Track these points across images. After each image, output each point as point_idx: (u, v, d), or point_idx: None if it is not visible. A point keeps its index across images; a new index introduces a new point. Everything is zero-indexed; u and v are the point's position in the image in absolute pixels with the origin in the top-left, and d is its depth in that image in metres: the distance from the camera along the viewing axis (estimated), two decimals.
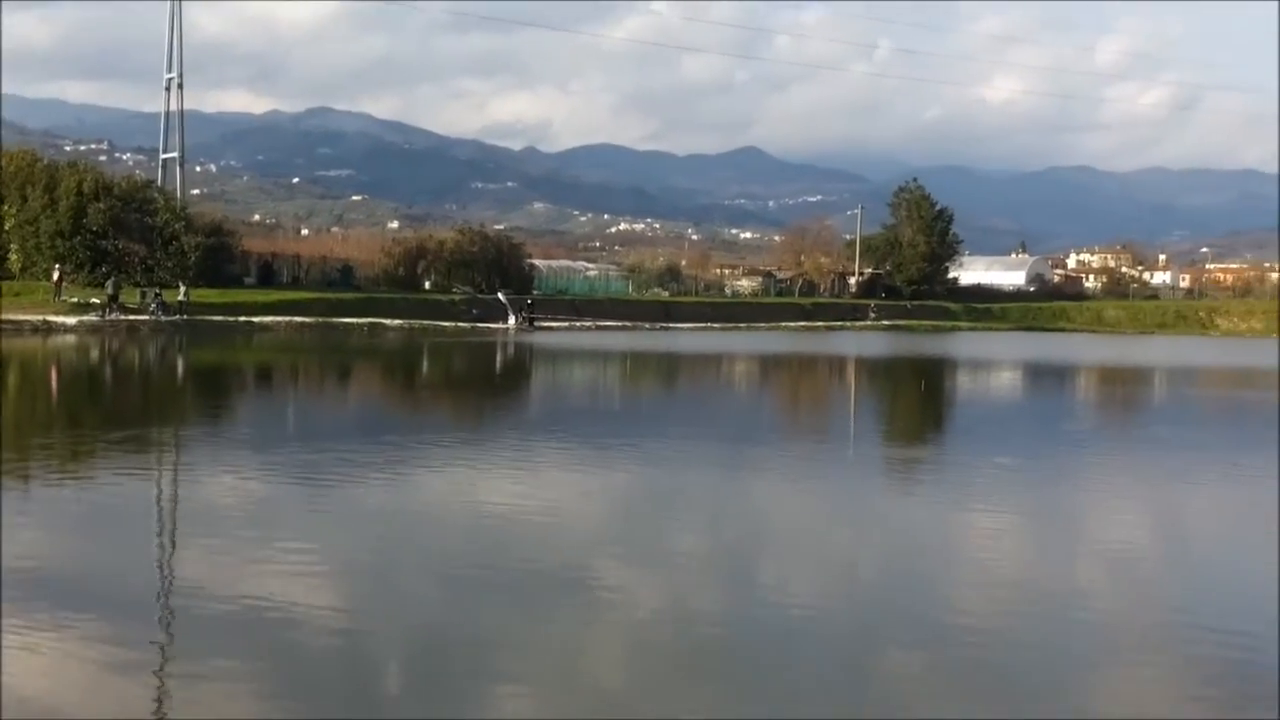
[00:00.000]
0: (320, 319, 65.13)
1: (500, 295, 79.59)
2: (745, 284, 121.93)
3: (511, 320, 75.11)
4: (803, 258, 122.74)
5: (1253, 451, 23.05)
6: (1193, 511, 16.11)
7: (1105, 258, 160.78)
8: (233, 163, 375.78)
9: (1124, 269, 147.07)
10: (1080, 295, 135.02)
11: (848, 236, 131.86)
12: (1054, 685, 8.22)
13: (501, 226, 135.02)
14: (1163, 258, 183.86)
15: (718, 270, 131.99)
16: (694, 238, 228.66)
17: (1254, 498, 17.24)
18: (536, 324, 75.31)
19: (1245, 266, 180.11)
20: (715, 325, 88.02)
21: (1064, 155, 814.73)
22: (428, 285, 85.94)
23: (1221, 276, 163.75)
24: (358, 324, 65.68)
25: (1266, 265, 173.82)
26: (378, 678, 8.09)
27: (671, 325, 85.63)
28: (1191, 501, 16.87)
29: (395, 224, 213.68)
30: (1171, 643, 9.26)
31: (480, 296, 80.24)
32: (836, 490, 17.11)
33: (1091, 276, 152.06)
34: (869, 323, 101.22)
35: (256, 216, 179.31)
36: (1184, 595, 11.02)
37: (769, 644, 8.99)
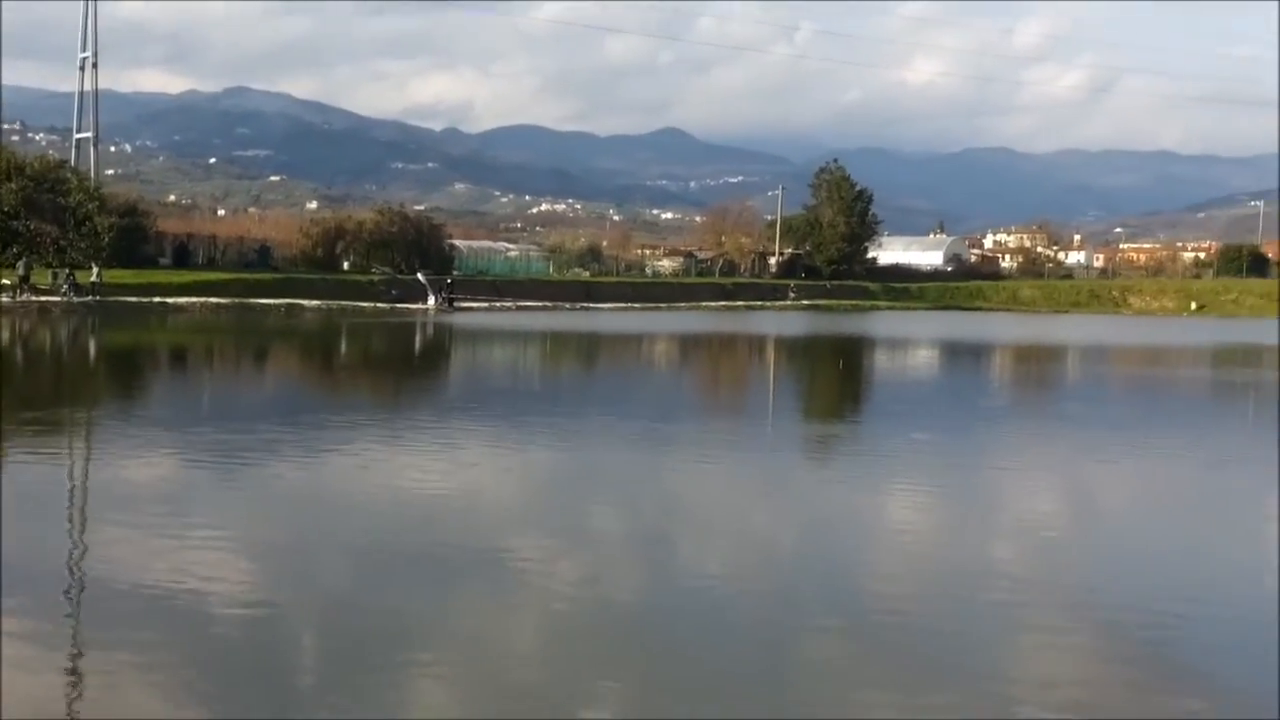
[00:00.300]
0: (237, 300, 64.37)
1: (420, 276, 79.01)
2: (666, 264, 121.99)
3: (431, 301, 74.60)
4: (724, 238, 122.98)
5: (1163, 427, 23.48)
6: (1105, 488, 16.35)
7: (1021, 238, 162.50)
8: (148, 143, 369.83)
9: (1040, 249, 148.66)
10: (997, 275, 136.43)
11: (768, 217, 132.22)
12: (970, 661, 8.31)
13: (422, 207, 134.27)
14: (1078, 238, 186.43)
15: (639, 251, 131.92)
16: (615, 218, 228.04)
17: (1166, 474, 17.56)
18: (456, 304, 74.85)
19: (1158, 246, 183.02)
20: (636, 305, 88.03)
21: (982, 137, 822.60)
22: (346, 266, 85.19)
23: (1135, 256, 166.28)
24: (275, 305, 64.95)
25: (1178, 245, 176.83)
26: (293, 657, 8.03)
27: (592, 305, 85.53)
28: (1104, 478, 17.12)
29: (314, 204, 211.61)
30: (1085, 619, 9.39)
31: (400, 277, 79.63)
32: (755, 467, 17.18)
33: (1008, 256, 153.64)
34: (789, 302, 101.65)
35: (172, 197, 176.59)
36: (1097, 573, 11.18)
37: (687, 622, 9.00)
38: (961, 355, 49.64)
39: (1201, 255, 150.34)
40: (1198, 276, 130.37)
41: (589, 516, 13.26)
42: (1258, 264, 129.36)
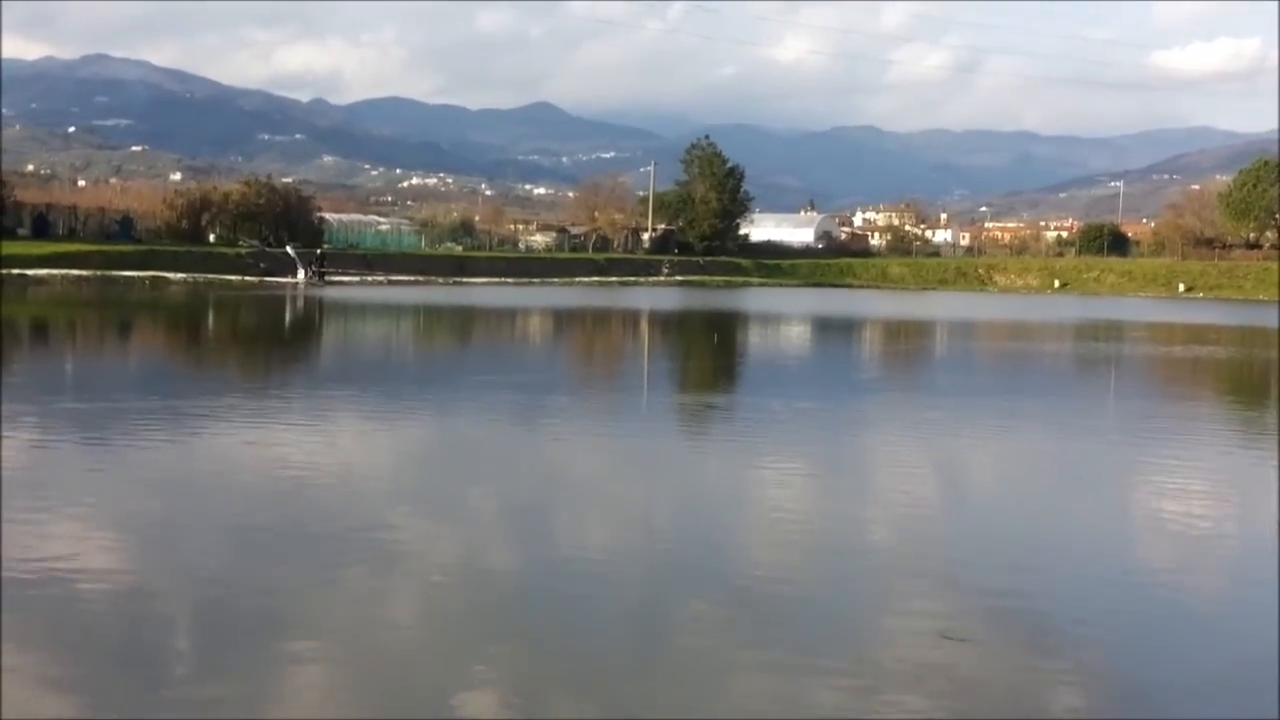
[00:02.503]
0: (99, 272, 62.79)
1: (289, 249, 77.79)
2: (539, 239, 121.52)
3: (301, 274, 73.49)
4: (596, 214, 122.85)
5: (1027, 399, 23.90)
6: (975, 460, 16.58)
7: (890, 216, 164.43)
8: (4, 111, 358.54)
9: (907, 227, 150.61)
10: (866, 252, 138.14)
11: (641, 193, 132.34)
12: (846, 635, 8.34)
13: (290, 179, 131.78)
14: (944, 216, 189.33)
15: (512, 225, 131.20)
16: (487, 193, 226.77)
17: (1029, 446, 17.85)
18: (327, 278, 73.87)
19: (1021, 226, 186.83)
20: (510, 280, 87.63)
21: (850, 115, 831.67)
22: (212, 238, 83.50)
23: (999, 235, 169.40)
24: (139, 277, 63.51)
25: (1041, 224, 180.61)
26: (164, 642, 7.77)
27: (466, 280, 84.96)
28: (974, 450, 17.35)
29: (178, 175, 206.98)
30: (955, 590, 9.47)
31: (268, 250, 78.32)
32: (631, 441, 17.15)
33: (877, 234, 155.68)
34: (662, 278, 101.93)
35: (30, 167, 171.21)
36: (966, 543, 11.31)
37: (565, 598, 8.92)
38: (834, 330, 50.20)
39: (1063, 234, 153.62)
40: (1060, 255, 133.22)
41: (465, 492, 13.12)
42: (1117, 243, 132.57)
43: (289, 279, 71.92)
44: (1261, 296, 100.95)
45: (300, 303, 54.48)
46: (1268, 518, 13.07)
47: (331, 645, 7.79)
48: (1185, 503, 13.36)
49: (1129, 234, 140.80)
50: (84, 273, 62.00)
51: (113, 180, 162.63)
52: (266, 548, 10.14)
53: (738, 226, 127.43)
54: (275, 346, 33.87)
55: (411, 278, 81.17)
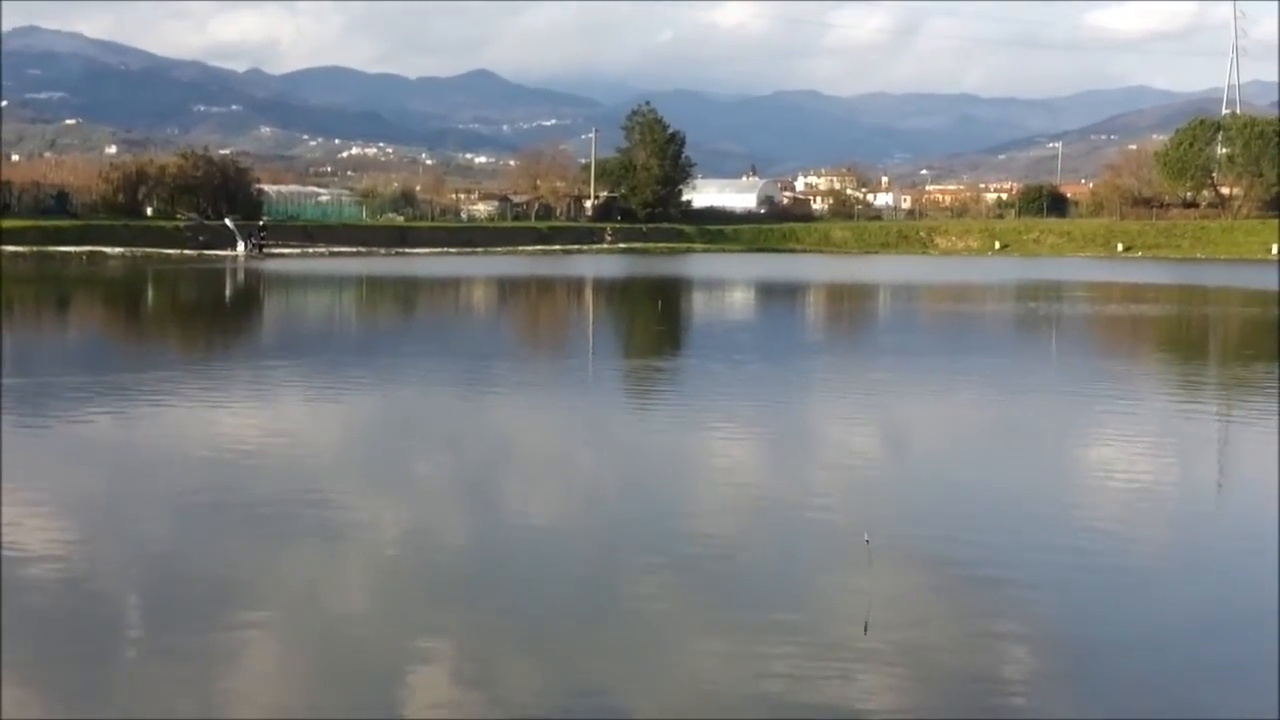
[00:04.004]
0: (35, 248, 62.04)
1: (228, 221, 77.05)
2: (481, 208, 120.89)
3: (240, 247, 72.85)
4: (538, 182, 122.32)
5: (970, 359, 24.08)
6: (920, 419, 16.68)
7: (831, 180, 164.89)
8: None
9: (849, 191, 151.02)
10: (808, 216, 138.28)
11: (583, 160, 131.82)
12: (790, 595, 8.39)
13: (227, 151, 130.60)
14: (885, 180, 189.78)
15: (453, 195, 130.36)
16: (428, 162, 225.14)
17: (972, 406, 18.00)
18: (267, 250, 73.27)
19: (962, 188, 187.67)
20: (452, 250, 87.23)
21: (791, 80, 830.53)
22: (150, 212, 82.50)
23: (940, 197, 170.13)
24: (76, 252, 62.79)
25: (981, 186, 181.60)
26: (113, 619, 7.71)
27: (408, 250, 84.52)
28: (919, 409, 17.47)
29: (113, 149, 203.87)
30: (900, 551, 9.54)
31: (206, 223, 77.54)
32: (576, 408, 17.15)
33: (819, 198, 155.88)
34: (605, 246, 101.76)
35: None
36: (911, 503, 11.39)
37: (514, 566, 8.94)
38: (778, 295, 50.32)
39: (1003, 196, 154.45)
40: (1000, 217, 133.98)
41: (413, 462, 13.08)
42: (1056, 203, 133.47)
43: (229, 252, 71.31)
44: (1199, 255, 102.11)
45: (241, 276, 54.01)
46: (1207, 473, 13.28)
47: (282, 617, 7.77)
48: (1126, 459, 13.52)
49: (1068, 195, 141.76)
50: (20, 249, 61.20)
51: (47, 154, 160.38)
52: (213, 521, 10.07)
53: (680, 193, 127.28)
54: (216, 320, 33.58)
55: (353, 249, 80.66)
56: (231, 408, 16.34)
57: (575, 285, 53.67)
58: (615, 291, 50.95)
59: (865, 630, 7.58)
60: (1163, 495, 12.02)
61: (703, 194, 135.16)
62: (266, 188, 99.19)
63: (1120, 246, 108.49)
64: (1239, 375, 22.74)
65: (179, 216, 79.23)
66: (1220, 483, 12.83)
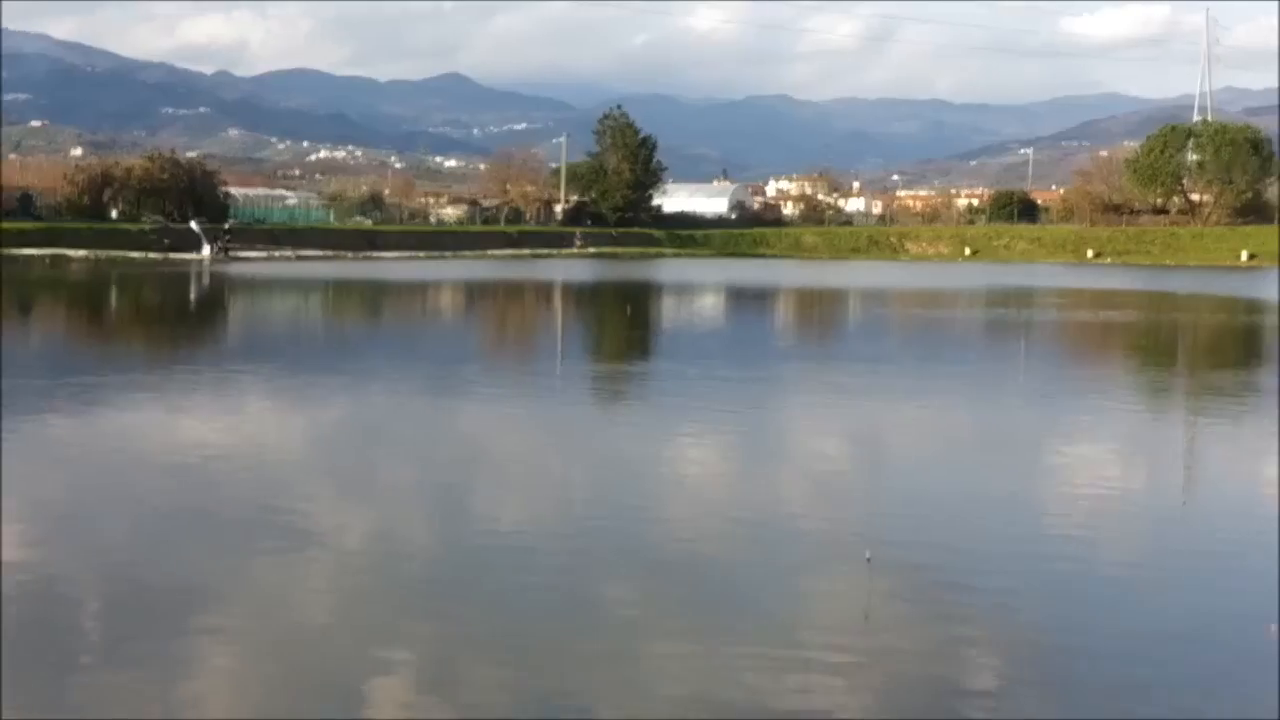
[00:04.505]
0: None
1: (194, 224, 76.62)
2: (451, 212, 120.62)
3: (206, 250, 72.47)
4: (509, 186, 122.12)
5: (941, 365, 23.99)
6: (889, 426, 16.57)
7: (803, 185, 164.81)
8: None
9: (821, 196, 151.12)
10: (779, 222, 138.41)
11: (554, 164, 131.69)
12: (760, 601, 8.32)
13: (194, 154, 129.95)
14: (857, 185, 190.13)
15: (423, 199, 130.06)
16: (398, 166, 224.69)
17: (943, 411, 17.88)
18: (233, 254, 72.88)
19: (933, 194, 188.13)
20: (421, 254, 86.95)
21: (764, 84, 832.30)
22: (115, 214, 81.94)
23: (911, 203, 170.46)
24: (39, 255, 62.32)
25: (953, 192, 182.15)
26: (73, 626, 7.55)
27: (376, 255, 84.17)
28: (888, 416, 17.35)
29: (79, 151, 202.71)
30: (876, 563, 9.38)
31: (172, 226, 77.06)
32: (547, 412, 16.98)
33: (790, 203, 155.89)
34: (575, 250, 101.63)
35: None
36: (880, 510, 11.29)
37: (482, 572, 8.86)
38: (748, 300, 50.26)
39: (974, 202, 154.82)
40: (971, 223, 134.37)
41: (381, 466, 12.93)
42: (1027, 210, 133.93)
43: (194, 255, 70.96)
44: (1168, 261, 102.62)
45: (206, 279, 53.68)
46: (1174, 479, 13.21)
47: (245, 623, 7.69)
48: (1095, 465, 13.49)
49: (1039, 201, 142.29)
50: None
51: (12, 156, 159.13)
52: (175, 527, 9.90)
53: (651, 197, 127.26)
54: (180, 324, 33.25)
55: (320, 253, 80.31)
56: (195, 412, 16.13)
57: (544, 290, 53.52)
58: (585, 296, 50.82)
59: (834, 636, 7.44)
60: (1131, 501, 12.00)
61: (674, 198, 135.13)
62: (233, 190, 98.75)
63: (1090, 253, 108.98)
64: (1207, 382, 22.72)
65: (144, 219, 78.71)
66: (1187, 488, 12.76)
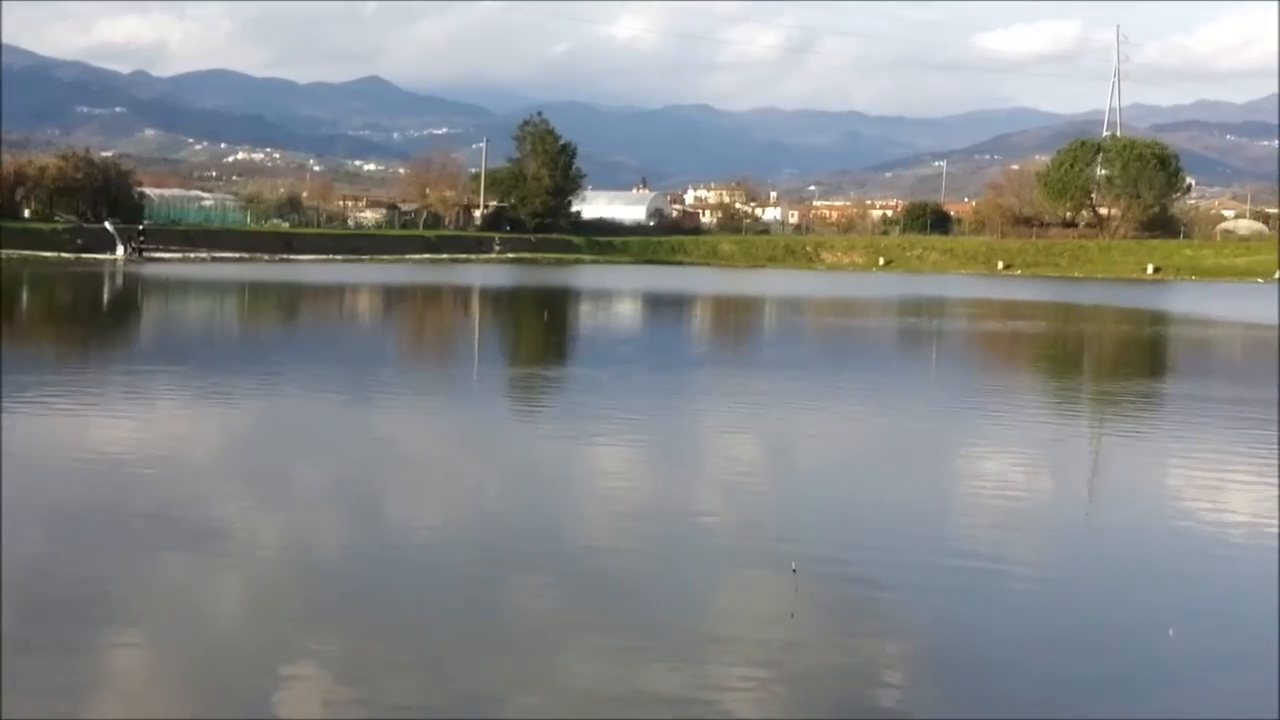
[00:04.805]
0: None
1: (108, 225, 75.61)
2: (369, 216, 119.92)
3: (120, 251, 71.56)
4: (428, 190, 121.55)
5: (853, 373, 24.34)
6: (802, 434, 16.79)
7: (721, 194, 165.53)
8: None
9: (738, 205, 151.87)
10: (697, 230, 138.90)
11: (473, 170, 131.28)
12: (676, 610, 8.39)
13: (109, 153, 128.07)
14: (774, 194, 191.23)
15: (341, 202, 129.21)
16: (316, 169, 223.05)
17: (855, 418, 18.17)
18: (147, 254, 72.01)
19: (848, 204, 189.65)
20: (339, 257, 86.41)
21: (684, 94, 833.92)
22: (28, 214, 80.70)
23: (827, 213, 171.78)
24: None
25: (868, 203, 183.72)
26: None
27: (293, 257, 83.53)
28: (801, 424, 17.57)
29: None
30: (781, 560, 9.57)
31: (86, 226, 76.00)
32: (459, 416, 17.04)
33: (708, 212, 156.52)
34: (494, 256, 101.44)
35: None
36: (791, 516, 11.46)
37: (396, 577, 8.83)
38: (665, 307, 50.49)
39: (889, 213, 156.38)
40: (885, 233, 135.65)
41: (293, 471, 12.89)
42: (940, 221, 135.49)
43: (108, 256, 70.05)
44: (1076, 273, 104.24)
45: (119, 280, 53.02)
46: (1079, 488, 13.54)
47: (153, 629, 7.62)
48: (1002, 472, 13.75)
49: (951, 213, 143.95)
50: None
51: None
52: (84, 530, 9.82)
53: (570, 204, 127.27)
54: (92, 325, 32.87)
55: (237, 255, 79.61)
56: (106, 413, 15.99)
57: (462, 294, 53.41)
58: (502, 301, 50.79)
59: (744, 641, 7.59)
60: (1037, 508, 12.23)
61: (593, 205, 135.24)
62: (149, 191, 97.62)
63: (1001, 264, 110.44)
64: (1111, 391, 23.22)
65: (57, 219, 77.61)
66: (1092, 497, 13.06)
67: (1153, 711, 6.73)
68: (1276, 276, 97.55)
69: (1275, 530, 11.11)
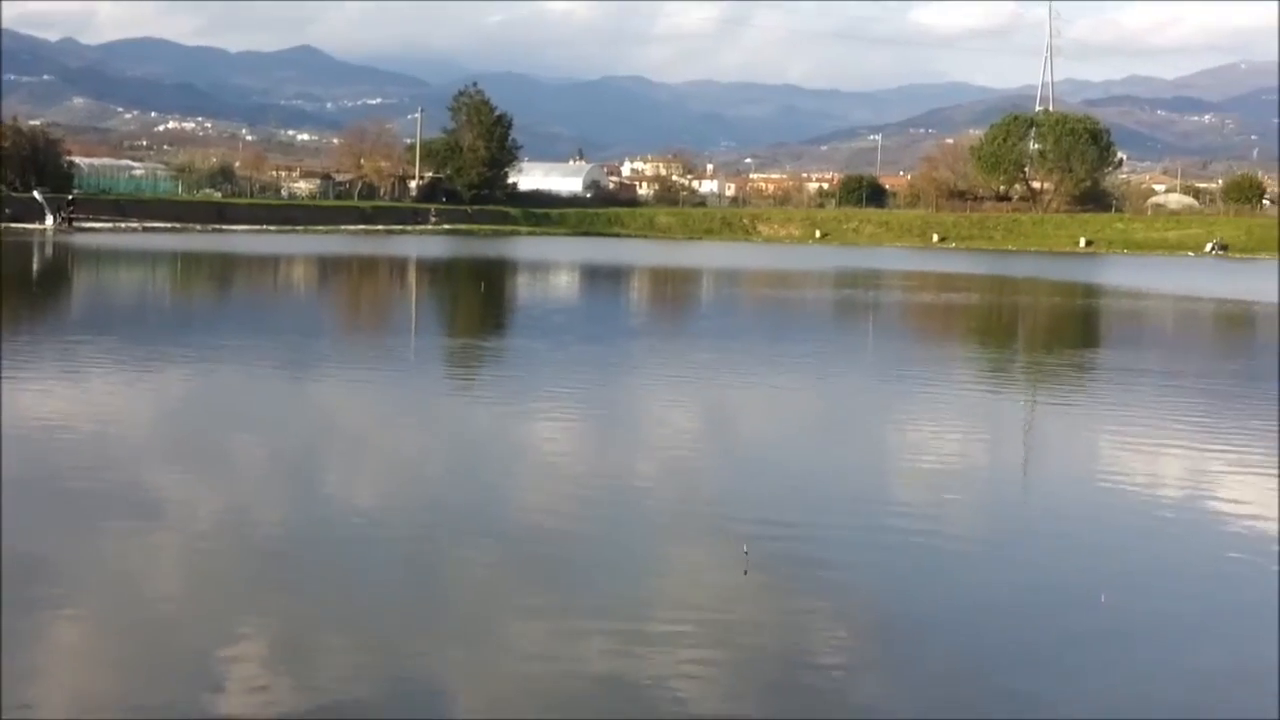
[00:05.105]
0: None
1: (36, 194, 74.48)
2: (303, 186, 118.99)
3: (49, 220, 70.51)
4: (362, 161, 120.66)
5: (790, 343, 24.45)
6: (739, 403, 16.84)
7: (658, 166, 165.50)
8: None
9: (675, 177, 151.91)
10: (634, 202, 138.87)
11: (408, 140, 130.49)
12: (619, 579, 8.41)
13: (38, 122, 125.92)
14: (710, 167, 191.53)
15: (274, 172, 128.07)
16: (249, 138, 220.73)
17: (793, 388, 18.26)
18: (77, 224, 71.03)
19: (785, 177, 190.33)
20: (272, 228, 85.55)
21: (620, 65, 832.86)
22: None
23: (764, 186, 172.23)
24: None
25: (804, 176, 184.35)
26: None
27: (226, 227, 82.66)
28: (737, 394, 17.63)
29: None
30: (721, 530, 9.61)
31: (14, 195, 74.80)
32: (397, 387, 16.94)
33: (645, 184, 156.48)
34: (430, 227, 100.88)
35: None
36: (730, 486, 11.50)
37: (335, 552, 8.77)
38: (602, 278, 50.46)
39: (825, 186, 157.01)
40: (821, 206, 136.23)
41: (229, 443, 12.75)
42: (875, 194, 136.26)
43: (36, 225, 69.00)
44: (1010, 246, 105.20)
45: (49, 250, 52.25)
46: (1014, 456, 13.68)
47: (90, 601, 7.53)
48: (938, 443, 13.86)
49: (886, 186, 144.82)
50: None
51: None
52: (16, 499, 9.67)
53: (506, 175, 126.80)
54: (21, 295, 32.37)
55: (168, 224, 78.65)
56: (36, 384, 15.75)
57: (398, 265, 53.11)
58: (439, 272, 50.55)
59: (685, 612, 7.61)
60: (972, 477, 12.35)
61: (529, 177, 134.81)
62: (78, 160, 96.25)
63: (935, 237, 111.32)
64: (1045, 362, 23.48)
65: None
66: (1027, 466, 13.20)
67: (1086, 677, 6.81)
68: (1207, 250, 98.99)
69: (1207, 498, 11.30)
